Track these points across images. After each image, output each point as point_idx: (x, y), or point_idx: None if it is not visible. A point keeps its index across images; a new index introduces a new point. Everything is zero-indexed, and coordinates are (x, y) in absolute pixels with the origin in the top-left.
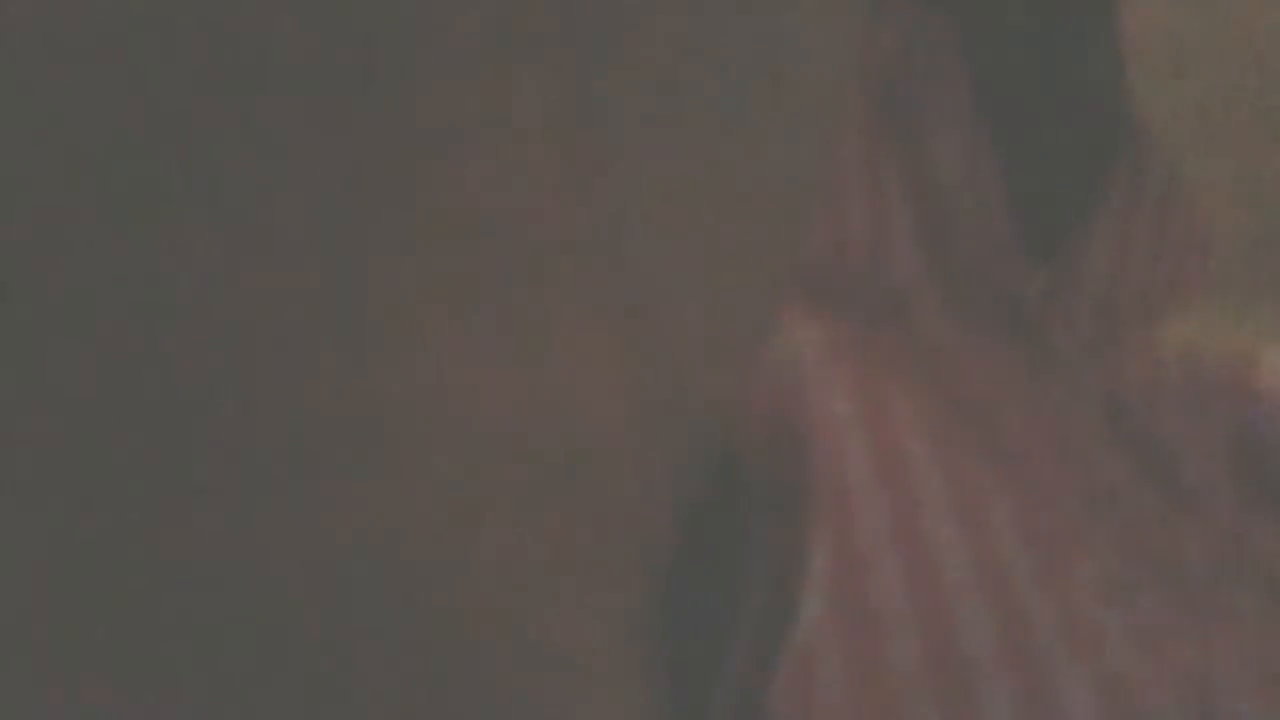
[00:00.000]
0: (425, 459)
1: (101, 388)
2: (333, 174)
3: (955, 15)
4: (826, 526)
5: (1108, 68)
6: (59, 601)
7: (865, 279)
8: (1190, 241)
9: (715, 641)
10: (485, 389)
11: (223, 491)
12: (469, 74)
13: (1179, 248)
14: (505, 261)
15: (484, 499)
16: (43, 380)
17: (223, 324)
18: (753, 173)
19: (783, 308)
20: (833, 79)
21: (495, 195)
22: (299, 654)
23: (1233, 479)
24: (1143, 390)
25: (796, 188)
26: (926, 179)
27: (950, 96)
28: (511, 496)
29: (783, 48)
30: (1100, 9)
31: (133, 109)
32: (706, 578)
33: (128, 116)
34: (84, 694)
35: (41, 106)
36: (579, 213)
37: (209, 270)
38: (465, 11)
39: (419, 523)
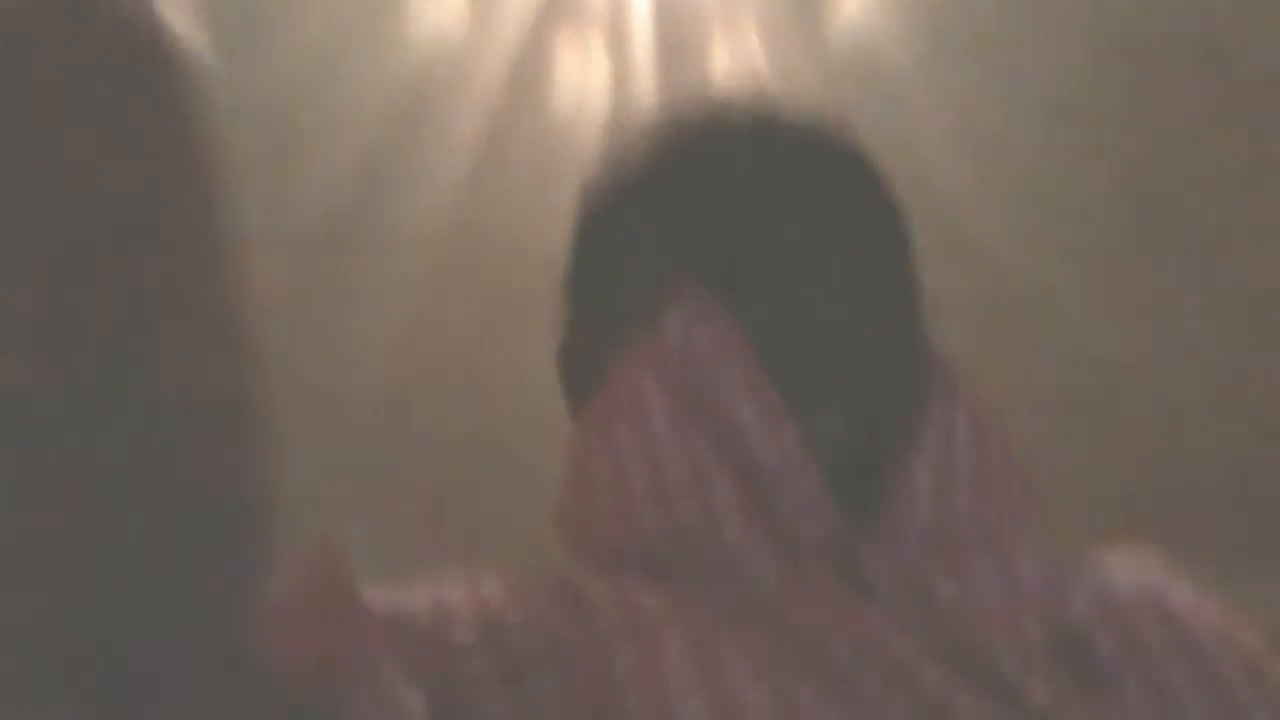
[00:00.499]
0: None
1: None
2: None
3: (739, 308)
4: None
5: (904, 321)
6: None
7: (698, 551)
8: (1010, 473)
9: None
10: None
11: None
12: None
13: (1000, 480)
14: None
15: None
16: None
17: None
18: None
19: (619, 578)
20: None
21: None
22: None
23: (1049, 667)
24: (963, 604)
25: None
26: (736, 445)
27: (741, 372)
28: None
29: None
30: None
31: None
32: None
33: None
34: None
35: None
36: None
37: None
38: None
39: None
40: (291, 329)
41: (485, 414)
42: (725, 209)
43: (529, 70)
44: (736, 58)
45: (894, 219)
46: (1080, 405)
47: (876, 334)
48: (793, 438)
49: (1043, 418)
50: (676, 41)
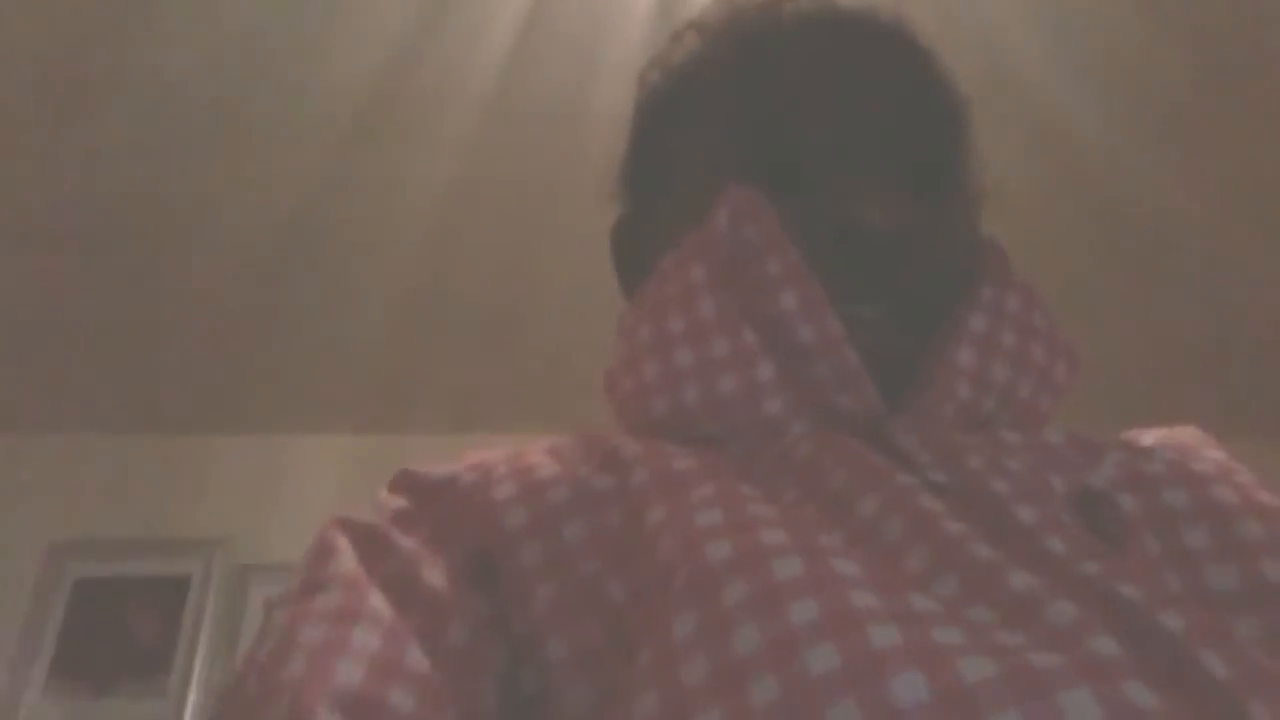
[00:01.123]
0: None
1: None
2: None
3: (788, 199)
4: (691, 601)
5: (953, 213)
6: None
7: (740, 422)
8: (1055, 353)
9: None
10: None
11: None
12: None
13: (1043, 358)
14: None
15: None
16: None
17: None
18: None
19: (653, 440)
20: None
21: None
22: None
23: (1068, 520)
24: (987, 465)
25: None
26: (778, 331)
27: (782, 261)
28: None
29: None
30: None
31: None
32: None
33: None
34: None
35: None
36: None
37: None
38: None
39: None
40: (334, 190)
41: (518, 290)
42: (778, 100)
43: None
44: None
45: (951, 110)
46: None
47: (922, 228)
48: (832, 323)
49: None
50: None
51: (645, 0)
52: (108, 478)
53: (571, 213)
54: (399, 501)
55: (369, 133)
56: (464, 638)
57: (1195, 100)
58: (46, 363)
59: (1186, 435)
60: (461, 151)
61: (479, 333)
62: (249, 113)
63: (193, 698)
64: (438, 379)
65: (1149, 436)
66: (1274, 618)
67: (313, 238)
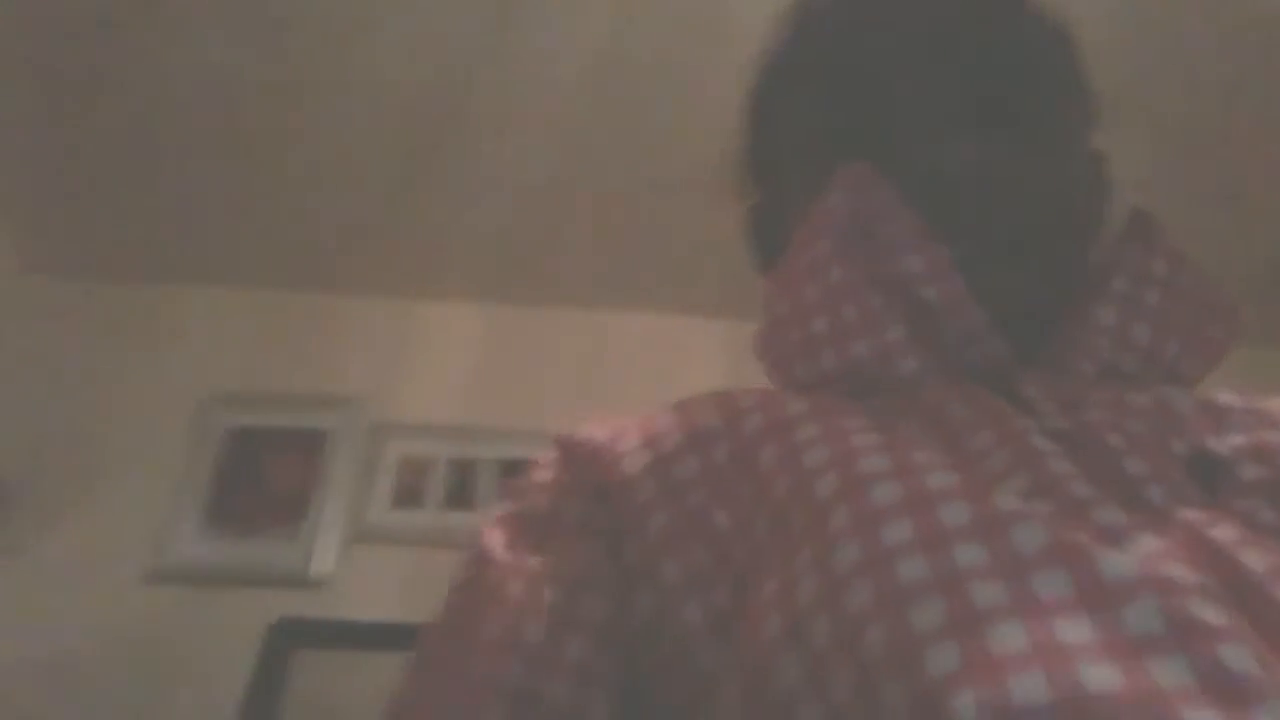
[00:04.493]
0: None
1: None
2: None
3: (893, 168)
4: (806, 537)
5: (1077, 163)
6: None
7: (877, 381)
8: (1202, 314)
9: None
10: None
11: None
12: None
13: (1190, 318)
14: None
15: None
16: None
17: None
18: None
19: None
20: None
21: None
22: None
23: (1178, 478)
24: (1107, 421)
25: None
26: (905, 293)
27: (903, 226)
28: None
29: None
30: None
31: None
32: None
33: None
34: None
35: None
36: None
37: None
38: None
39: None
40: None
41: (657, 169)
42: (862, 60)
43: None
44: None
45: (1042, 39)
46: None
47: (1010, 159)
48: (956, 281)
49: None
50: None
51: None
52: (256, 331)
53: (715, 89)
54: (542, 474)
55: (519, 1)
56: (580, 569)
57: None
58: (201, 218)
59: None
60: (611, 21)
61: (614, 210)
62: None
63: (320, 541)
64: (570, 254)
65: None
66: None
67: (456, 104)
